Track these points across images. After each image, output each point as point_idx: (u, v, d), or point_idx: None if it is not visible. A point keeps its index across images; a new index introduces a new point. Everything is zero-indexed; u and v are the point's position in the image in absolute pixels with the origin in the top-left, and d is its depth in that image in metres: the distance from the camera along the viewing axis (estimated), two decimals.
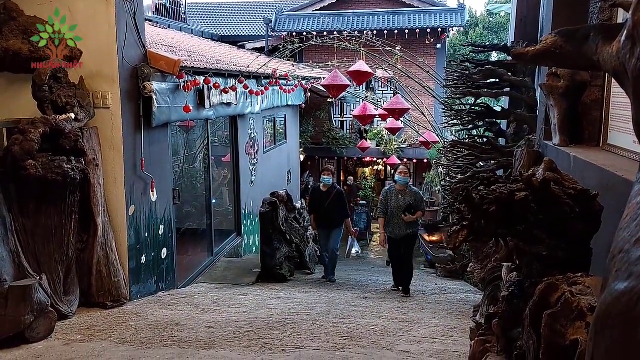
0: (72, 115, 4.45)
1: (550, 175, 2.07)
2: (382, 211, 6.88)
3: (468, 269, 5.76)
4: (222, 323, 4.42)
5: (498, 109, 6.09)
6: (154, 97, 5.14)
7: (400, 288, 6.87)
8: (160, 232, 5.65)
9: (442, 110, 7.45)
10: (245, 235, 9.42)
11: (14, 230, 3.95)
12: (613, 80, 3.06)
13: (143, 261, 5.29)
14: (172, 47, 6.66)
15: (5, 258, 3.73)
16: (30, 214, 4.14)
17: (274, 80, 9.37)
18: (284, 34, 16.33)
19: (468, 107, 5.92)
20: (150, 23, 9.33)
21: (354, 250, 8.83)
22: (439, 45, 16.84)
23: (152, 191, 5.35)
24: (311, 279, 7.84)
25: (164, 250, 5.75)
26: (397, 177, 6.95)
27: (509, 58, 5.82)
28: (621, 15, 3.01)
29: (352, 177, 17.29)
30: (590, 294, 1.56)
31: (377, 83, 16.99)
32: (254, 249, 9.64)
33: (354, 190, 16.13)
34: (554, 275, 1.83)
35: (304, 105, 13.04)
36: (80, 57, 4.81)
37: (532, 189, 2.00)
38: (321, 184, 7.80)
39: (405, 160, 14.80)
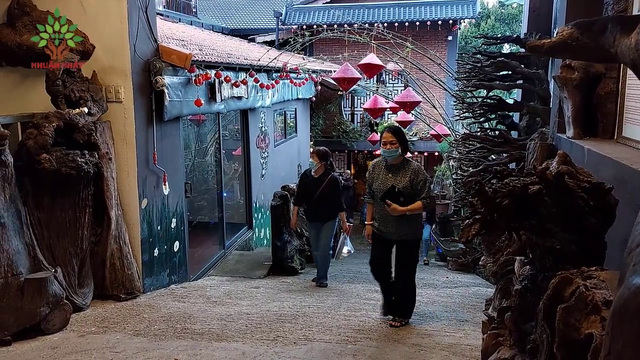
0: (85, 110, 4.49)
1: (564, 168, 2.06)
2: (369, 193, 4.61)
3: (480, 263, 5.75)
4: (234, 315, 4.45)
5: (510, 101, 6.04)
6: (166, 91, 5.16)
7: (391, 317, 4.45)
8: (173, 225, 5.69)
9: (454, 103, 7.41)
10: (256, 229, 9.46)
11: (29, 224, 4.00)
12: (628, 72, 3.02)
13: (156, 254, 5.34)
14: (183, 41, 6.68)
15: (20, 251, 3.78)
16: (44, 207, 4.19)
17: (285, 74, 9.37)
18: (294, 27, 16.30)
19: (480, 99, 5.88)
20: (161, 17, 9.36)
21: (345, 250, 6.70)
22: (450, 37, 16.72)
23: (165, 184, 5.39)
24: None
25: (176, 243, 5.79)
26: (381, 149, 4.49)
27: (522, 50, 5.77)
28: (637, 6, 2.97)
29: (348, 171, 17.18)
30: (605, 287, 1.55)
31: (387, 76, 16.92)
32: (265, 242, 9.68)
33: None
34: (567, 269, 1.82)
35: (314, 99, 13.03)
36: (92, 52, 4.83)
37: (546, 182, 1.99)
38: (312, 170, 6.36)
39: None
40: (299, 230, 7.73)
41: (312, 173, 6.25)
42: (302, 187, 6.39)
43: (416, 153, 16.62)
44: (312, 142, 15.17)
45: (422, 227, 4.80)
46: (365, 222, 4.79)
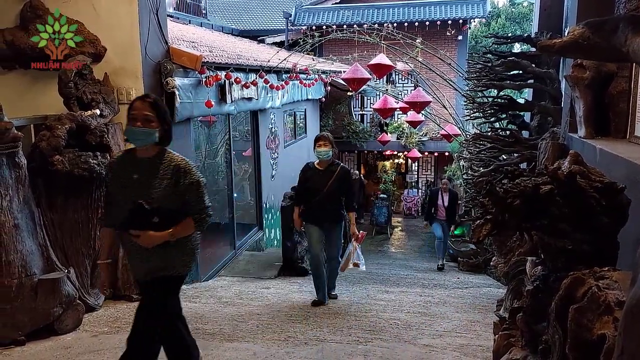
0: (97, 111, 4.53)
1: (576, 168, 2.04)
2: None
3: (491, 263, 5.71)
4: (245, 316, 4.47)
5: (521, 101, 6.00)
6: (177, 92, 5.20)
7: None
8: None
9: (464, 103, 7.37)
10: (267, 229, 9.48)
11: (42, 225, 4.04)
12: None
13: None
14: (193, 42, 6.71)
15: (34, 252, 3.82)
16: (57, 208, 4.23)
17: (294, 75, 9.39)
18: (304, 27, 16.31)
19: (490, 99, 5.85)
20: (171, 19, 9.42)
21: (351, 265, 5.19)
22: (460, 37, 16.64)
23: None
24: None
25: None
26: (128, 127, 2.70)
27: (533, 49, 5.73)
28: None
29: (357, 171, 17.11)
30: (618, 288, 1.54)
31: (397, 76, 16.89)
32: (276, 242, 9.70)
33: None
34: (579, 269, 1.81)
35: (324, 99, 13.05)
36: (104, 54, 4.89)
37: (558, 182, 1.97)
38: (315, 161, 5.22)
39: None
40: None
41: (316, 165, 5.17)
42: (305, 183, 5.19)
43: (426, 153, 16.58)
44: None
45: (195, 257, 2.85)
46: (100, 260, 2.90)
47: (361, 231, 5.32)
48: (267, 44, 15.32)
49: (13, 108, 4.49)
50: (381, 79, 13.44)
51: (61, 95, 4.54)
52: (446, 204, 9.50)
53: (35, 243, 3.87)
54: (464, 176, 9.24)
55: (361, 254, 5.29)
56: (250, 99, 7.52)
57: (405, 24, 15.64)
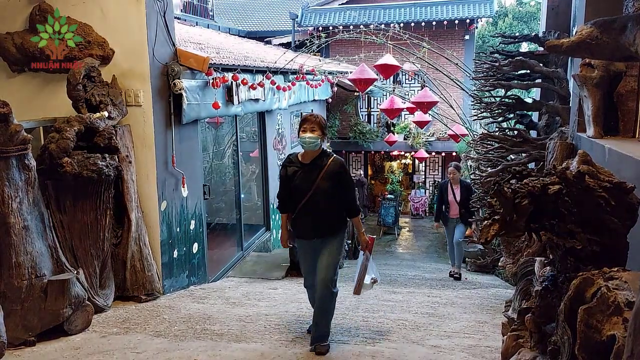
0: (106, 114, 4.56)
1: (585, 167, 2.03)
2: None
3: (499, 263, 5.69)
4: (253, 316, 4.48)
5: (529, 100, 5.98)
6: (184, 94, 5.21)
7: None
8: (192, 227, 5.74)
9: (471, 103, 7.36)
10: (274, 230, 9.49)
11: (52, 226, 4.07)
12: None
13: (175, 256, 5.39)
14: (200, 44, 6.74)
15: (43, 253, 3.85)
16: (67, 210, 4.26)
17: (301, 76, 9.40)
18: (310, 28, 16.33)
19: (498, 99, 5.83)
20: (179, 21, 9.46)
21: (368, 279, 4.16)
22: (467, 37, 16.59)
23: (183, 187, 5.44)
24: (340, 273, 7.83)
25: (195, 245, 5.84)
26: None
27: (540, 48, 5.71)
28: None
29: (360, 171, 17.05)
30: (627, 288, 1.54)
31: (404, 76, 16.86)
32: None
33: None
34: (589, 269, 1.80)
35: (330, 100, 13.05)
36: (112, 56, 4.92)
37: (566, 182, 1.97)
38: (299, 152, 3.81)
39: None
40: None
41: (300, 158, 3.77)
42: (287, 182, 3.78)
43: (434, 153, 16.54)
44: (328, 144, 15.18)
45: None
46: None
47: (369, 235, 4.11)
48: (274, 45, 15.35)
49: (22, 110, 4.54)
50: (388, 80, 13.43)
51: (70, 98, 4.57)
52: (458, 198, 7.85)
53: (45, 244, 3.90)
54: (471, 176, 9.21)
55: (374, 265, 4.25)
56: (257, 100, 7.54)
57: (412, 24, 15.62)
